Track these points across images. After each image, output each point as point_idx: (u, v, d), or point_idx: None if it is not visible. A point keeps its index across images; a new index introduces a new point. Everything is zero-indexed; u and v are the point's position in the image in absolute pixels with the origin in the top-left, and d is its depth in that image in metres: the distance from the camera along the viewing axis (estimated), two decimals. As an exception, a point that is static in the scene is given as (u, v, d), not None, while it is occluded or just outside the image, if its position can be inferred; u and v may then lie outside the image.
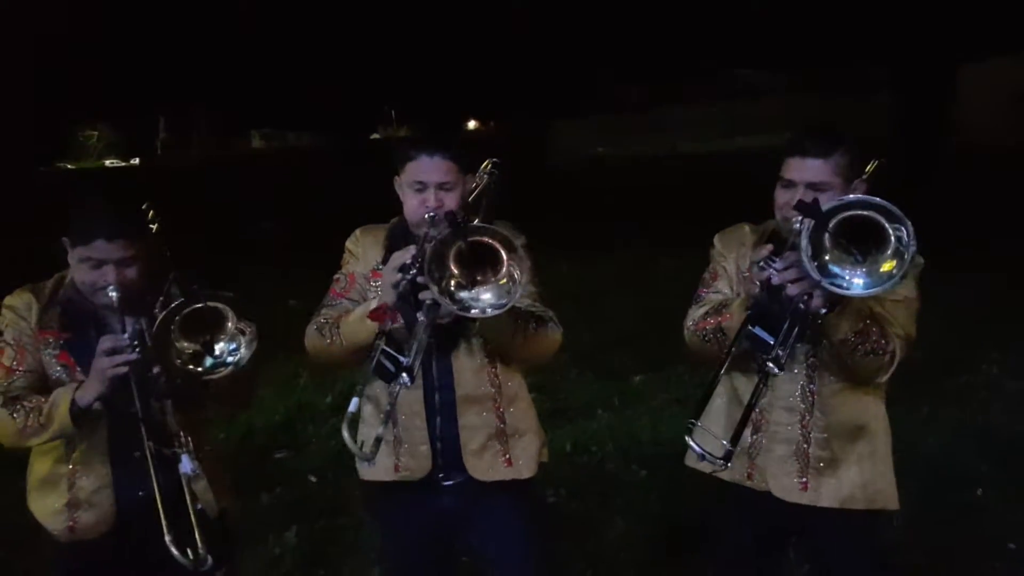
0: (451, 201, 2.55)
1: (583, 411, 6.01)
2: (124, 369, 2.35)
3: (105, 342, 2.38)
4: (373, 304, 2.49)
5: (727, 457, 2.34)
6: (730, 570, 2.82)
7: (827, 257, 2.19)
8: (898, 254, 2.13)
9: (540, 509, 3.01)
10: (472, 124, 28.94)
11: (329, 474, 5.26)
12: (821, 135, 2.52)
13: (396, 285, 2.40)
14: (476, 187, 2.68)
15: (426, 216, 2.53)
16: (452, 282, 2.32)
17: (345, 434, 2.36)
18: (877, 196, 2.21)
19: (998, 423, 5.40)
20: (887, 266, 2.14)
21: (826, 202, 2.22)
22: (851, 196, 2.27)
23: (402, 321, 2.46)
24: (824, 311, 2.30)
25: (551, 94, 17.30)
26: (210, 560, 2.40)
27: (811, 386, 2.55)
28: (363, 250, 2.72)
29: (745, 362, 2.51)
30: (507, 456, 2.67)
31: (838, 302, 2.29)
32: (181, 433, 2.48)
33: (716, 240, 2.75)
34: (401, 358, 2.37)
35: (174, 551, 2.35)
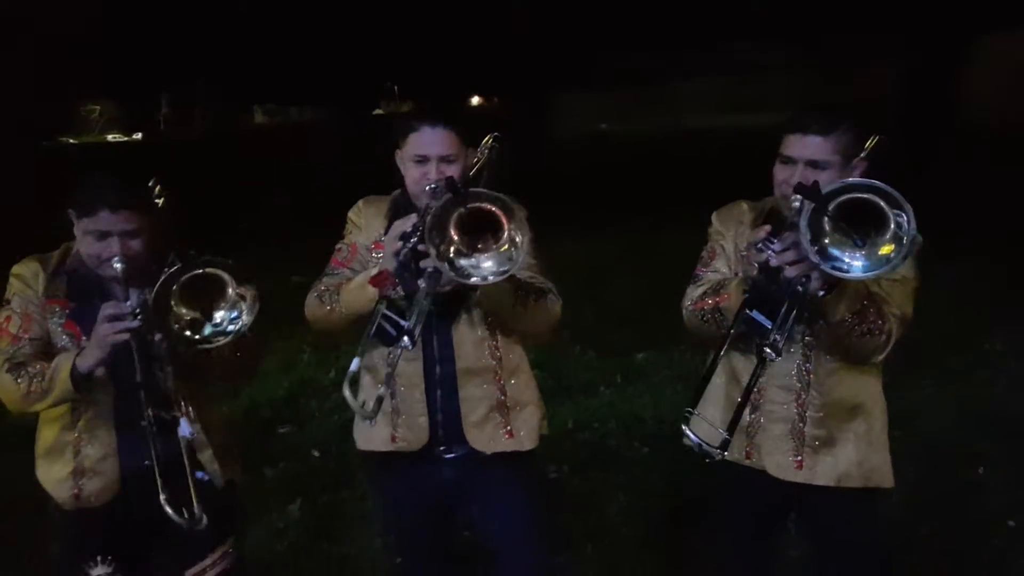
0: (453, 173, 2.53)
1: (585, 388, 6.02)
2: (125, 336, 2.36)
3: (107, 308, 2.39)
4: (374, 271, 2.49)
5: (724, 446, 2.34)
6: (729, 547, 2.84)
7: (827, 240, 2.17)
8: (897, 238, 2.11)
9: (541, 481, 3.02)
10: (475, 100, 28.85)
11: (332, 448, 5.30)
12: (822, 112, 2.49)
13: (397, 253, 2.40)
14: (478, 161, 2.67)
15: (427, 188, 2.52)
16: (453, 249, 2.30)
17: (346, 392, 2.37)
18: (877, 173, 2.20)
19: (1001, 401, 5.41)
20: (885, 249, 2.13)
21: (826, 182, 2.21)
22: (851, 179, 2.25)
23: (402, 292, 2.45)
24: (822, 293, 2.29)
25: (553, 69, 17.22)
26: (205, 519, 2.43)
27: (807, 365, 2.54)
28: (365, 221, 2.72)
29: (743, 342, 2.50)
30: (508, 428, 2.67)
31: (836, 283, 2.28)
32: (181, 400, 2.51)
33: (714, 218, 2.74)
34: (402, 322, 2.37)
35: (168, 510, 2.38)
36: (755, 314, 2.36)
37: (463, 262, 2.31)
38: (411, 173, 2.60)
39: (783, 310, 2.30)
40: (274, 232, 12.03)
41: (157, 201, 2.60)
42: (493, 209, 2.30)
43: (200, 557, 2.70)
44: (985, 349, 6.37)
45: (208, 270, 2.34)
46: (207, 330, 2.37)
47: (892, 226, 2.11)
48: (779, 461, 2.57)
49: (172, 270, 2.31)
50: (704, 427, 2.41)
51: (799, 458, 2.55)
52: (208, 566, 2.71)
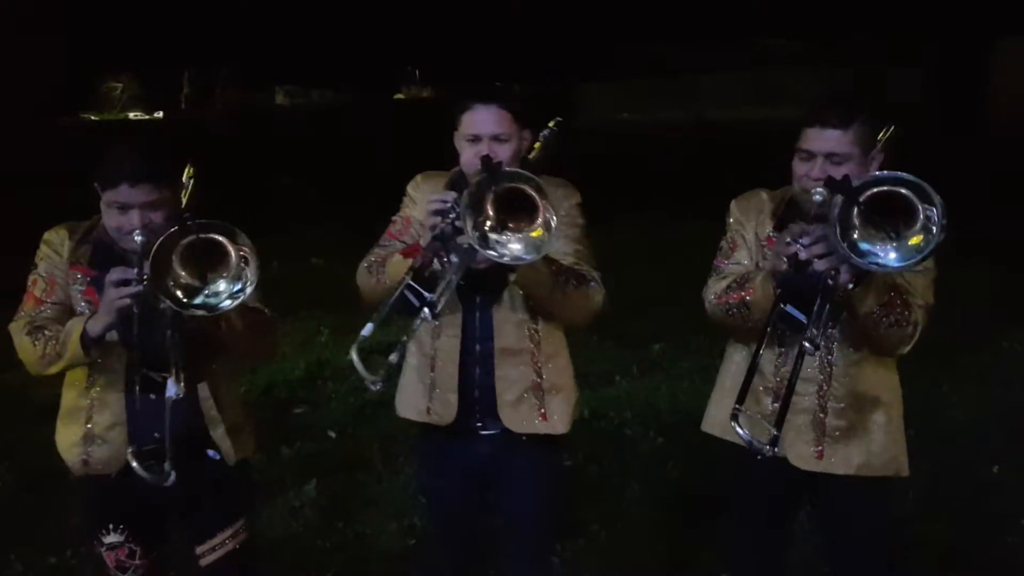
0: (504, 153, 2.53)
1: (602, 378, 6.03)
2: (128, 301, 2.37)
3: (114, 273, 2.40)
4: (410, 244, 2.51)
5: (774, 443, 2.35)
6: (744, 535, 2.85)
7: (855, 234, 2.17)
8: (926, 229, 2.12)
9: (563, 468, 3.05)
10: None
11: (348, 429, 5.36)
12: (840, 105, 2.49)
13: (433, 227, 2.40)
14: (538, 145, 2.65)
15: (477, 169, 2.44)
16: (487, 225, 2.29)
17: (353, 356, 2.34)
18: (895, 163, 2.20)
19: (1017, 401, 5.39)
20: (915, 240, 2.14)
21: (852, 176, 2.20)
22: (882, 172, 2.24)
23: (437, 265, 2.43)
24: (851, 286, 2.30)
25: (578, 57, 17.19)
26: (173, 476, 2.43)
27: (829, 357, 2.56)
28: (421, 195, 2.72)
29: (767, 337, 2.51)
30: (542, 410, 2.69)
31: (863, 276, 2.29)
32: (176, 364, 2.45)
33: (733, 207, 2.74)
34: (426, 294, 2.35)
35: (135, 464, 2.41)
36: (790, 309, 2.36)
37: (494, 238, 2.29)
38: (465, 153, 2.61)
39: (816, 304, 2.30)
40: (293, 214, 12.07)
41: (179, 175, 2.62)
42: (527, 190, 2.27)
43: (210, 535, 2.74)
44: (1002, 348, 6.36)
45: (202, 235, 2.31)
46: (199, 299, 2.33)
47: (921, 217, 2.12)
48: (800, 451, 2.59)
49: (170, 232, 2.29)
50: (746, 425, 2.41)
51: (820, 448, 2.58)
52: (217, 544, 2.74)
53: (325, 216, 11.93)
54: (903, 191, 2.12)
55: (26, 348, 2.55)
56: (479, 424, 2.71)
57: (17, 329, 2.58)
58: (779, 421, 2.37)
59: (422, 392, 2.71)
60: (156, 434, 2.52)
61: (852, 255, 2.16)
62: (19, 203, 12.10)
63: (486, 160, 2.31)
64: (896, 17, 14.36)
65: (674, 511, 4.23)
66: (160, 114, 33.71)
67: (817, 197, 2.30)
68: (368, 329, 2.37)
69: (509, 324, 2.66)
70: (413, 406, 2.75)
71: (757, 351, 2.44)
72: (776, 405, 2.58)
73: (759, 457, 2.37)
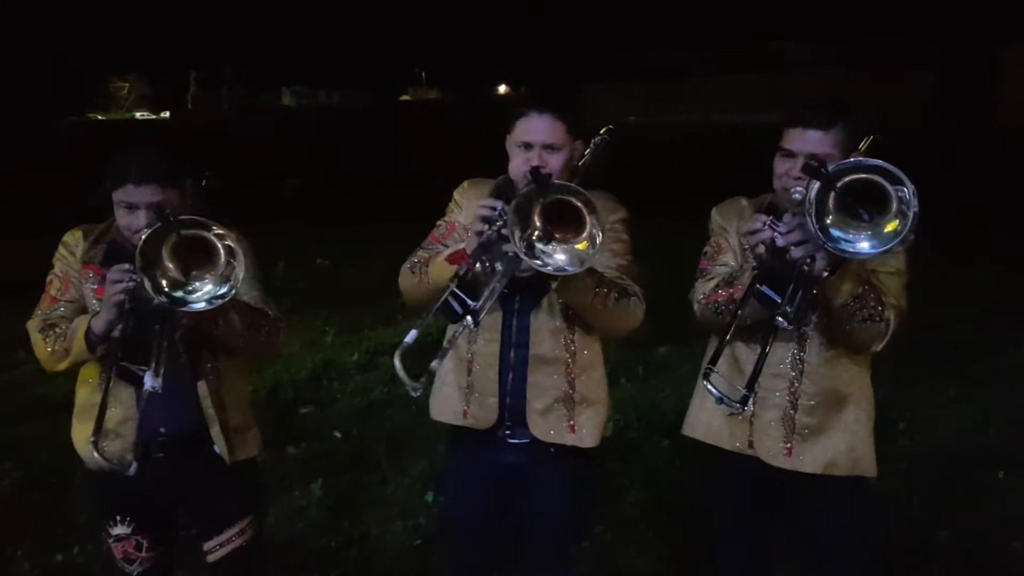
0: (555, 163, 2.53)
1: (607, 380, 6.01)
2: (123, 296, 2.41)
3: (113, 272, 2.44)
4: (456, 248, 2.51)
5: (744, 401, 2.33)
6: (727, 535, 2.84)
7: (829, 220, 2.18)
8: (901, 214, 2.12)
9: (596, 482, 3.02)
10: (503, 89, 28.86)
11: (354, 430, 5.37)
12: (822, 107, 2.53)
13: (479, 234, 2.39)
14: (589, 152, 2.65)
15: (526, 175, 2.40)
16: (534, 235, 2.28)
17: (397, 361, 2.33)
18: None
19: (1021, 407, 5.38)
20: (891, 226, 2.14)
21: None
22: (856, 159, 2.24)
23: (478, 268, 2.41)
24: (826, 274, 2.31)
25: (584, 60, 17.21)
26: (135, 467, 2.47)
27: (801, 354, 2.58)
28: (467, 201, 2.72)
29: (748, 332, 2.54)
30: (571, 422, 2.68)
31: (839, 265, 2.31)
32: (158, 356, 2.45)
33: (715, 214, 2.77)
34: (470, 301, 2.35)
35: (94, 452, 2.45)
36: (765, 288, 2.37)
37: (539, 248, 2.29)
38: (515, 159, 2.61)
39: (791, 288, 2.31)
40: (299, 215, 12.09)
41: (184, 175, 2.65)
42: (576, 203, 2.26)
43: (218, 532, 2.77)
44: (1008, 354, 6.34)
45: (184, 232, 2.33)
46: (178, 292, 2.34)
47: (895, 203, 2.13)
48: (769, 447, 2.61)
49: (152, 229, 2.32)
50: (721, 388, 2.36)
51: (788, 445, 2.59)
52: (225, 541, 2.77)
53: (331, 217, 12.08)
54: (878, 179, 2.13)
55: (39, 345, 2.62)
56: (508, 432, 2.69)
57: (33, 327, 2.65)
58: (750, 383, 2.36)
59: (459, 396, 2.70)
60: (162, 429, 2.63)
61: (826, 240, 2.17)
62: (19, 203, 12.18)
63: (535, 172, 2.30)
64: (904, 21, 14.38)
65: (678, 514, 4.23)
66: (167, 114, 33.83)
67: (796, 195, 2.31)
68: (412, 336, 2.36)
69: (546, 331, 2.64)
70: (450, 409, 2.72)
71: (728, 328, 2.41)
72: (759, 407, 2.60)
73: (731, 414, 2.40)
